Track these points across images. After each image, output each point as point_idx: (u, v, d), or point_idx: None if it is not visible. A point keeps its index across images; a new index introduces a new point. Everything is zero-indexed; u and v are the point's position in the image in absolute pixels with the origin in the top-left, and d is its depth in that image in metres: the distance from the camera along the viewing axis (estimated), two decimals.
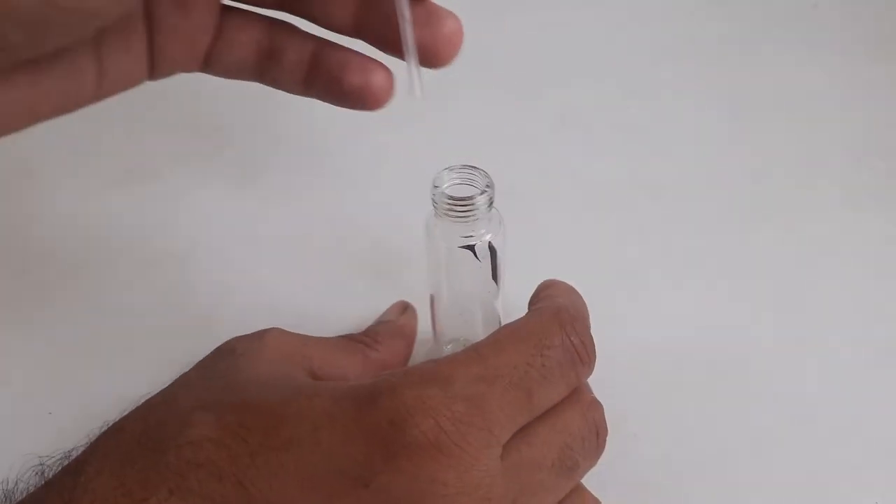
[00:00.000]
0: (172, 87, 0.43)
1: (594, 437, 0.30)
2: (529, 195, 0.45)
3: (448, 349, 0.38)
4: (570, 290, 0.34)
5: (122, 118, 0.51)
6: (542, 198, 0.46)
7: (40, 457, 0.31)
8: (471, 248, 0.34)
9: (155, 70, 0.32)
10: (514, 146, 0.49)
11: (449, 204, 0.33)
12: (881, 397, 0.38)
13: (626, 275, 0.42)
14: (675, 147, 0.49)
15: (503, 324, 0.31)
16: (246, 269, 0.43)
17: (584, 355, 0.29)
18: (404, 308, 0.39)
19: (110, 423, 0.29)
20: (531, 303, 0.34)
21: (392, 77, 0.32)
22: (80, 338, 0.41)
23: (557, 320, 0.29)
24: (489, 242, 0.34)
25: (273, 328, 0.33)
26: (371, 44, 0.32)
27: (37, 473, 0.30)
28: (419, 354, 0.38)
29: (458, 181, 0.33)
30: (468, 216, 0.33)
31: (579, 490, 0.31)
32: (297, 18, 0.33)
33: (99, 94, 0.31)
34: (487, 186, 0.33)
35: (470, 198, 0.33)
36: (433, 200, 0.33)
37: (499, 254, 0.35)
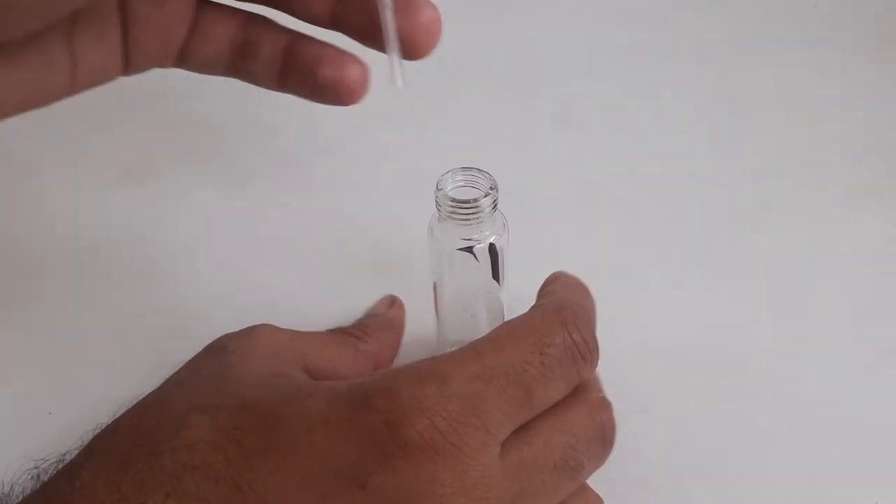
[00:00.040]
0: (173, 86, 0.43)
1: (601, 437, 0.29)
2: (529, 195, 0.45)
3: (451, 350, 0.38)
4: (577, 285, 0.33)
5: (122, 118, 0.51)
6: (542, 197, 0.46)
7: (35, 460, 0.31)
8: (469, 249, 0.34)
9: (129, 64, 0.31)
10: (514, 146, 0.49)
11: (452, 207, 0.33)
12: (881, 397, 0.38)
13: (626, 275, 0.42)
14: (675, 147, 0.49)
15: None
16: (246, 269, 0.43)
17: (585, 353, 0.29)
18: (392, 301, 0.39)
19: (103, 426, 0.29)
20: (539, 295, 0.33)
21: (367, 71, 0.32)
22: (80, 338, 0.41)
23: (559, 317, 0.29)
24: (489, 244, 0.34)
25: (263, 324, 0.33)
26: (349, 35, 0.32)
27: (32, 477, 0.30)
28: (422, 356, 0.38)
29: (461, 184, 0.33)
30: (472, 219, 0.33)
31: (583, 490, 0.30)
32: (276, 12, 0.32)
33: (72, 87, 0.30)
34: (491, 189, 0.33)
35: (474, 200, 0.33)
36: (437, 203, 0.33)
37: (502, 255, 0.35)
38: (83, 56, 0.30)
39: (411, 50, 0.31)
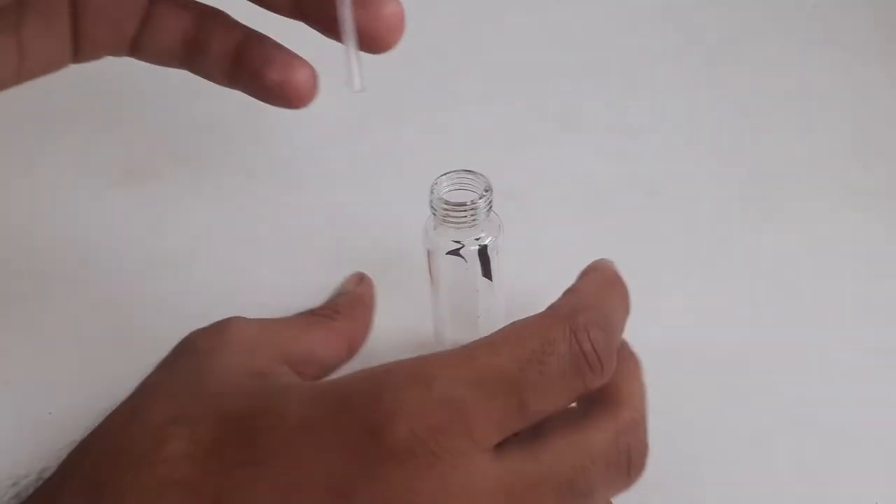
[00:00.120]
0: (173, 86, 0.43)
1: (622, 463, 0.27)
2: (529, 195, 0.45)
3: (443, 350, 0.38)
4: (610, 282, 0.30)
5: (122, 118, 0.51)
6: (541, 198, 0.46)
7: (16, 475, 0.30)
8: (457, 252, 0.34)
9: (79, 53, 0.31)
10: (513, 146, 0.49)
11: (447, 209, 0.33)
12: (881, 397, 0.38)
13: (625, 275, 0.42)
14: (675, 147, 0.49)
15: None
16: (246, 269, 0.43)
17: (595, 364, 0.26)
18: (361, 278, 0.38)
19: (76, 442, 0.28)
20: (566, 291, 0.30)
21: (315, 75, 0.32)
22: (80, 338, 0.41)
23: (569, 323, 0.26)
24: (479, 247, 0.34)
25: (232, 319, 0.31)
26: (311, 26, 0.31)
27: (13, 497, 0.29)
28: None
29: (456, 186, 0.33)
30: (467, 221, 0.33)
31: None
32: (239, 2, 0.32)
33: (20, 76, 0.30)
34: (486, 191, 0.33)
35: (470, 203, 0.33)
36: (431, 206, 0.33)
37: (498, 257, 0.35)
38: (31, 45, 0.29)
39: (372, 44, 0.30)
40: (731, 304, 0.41)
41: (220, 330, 0.31)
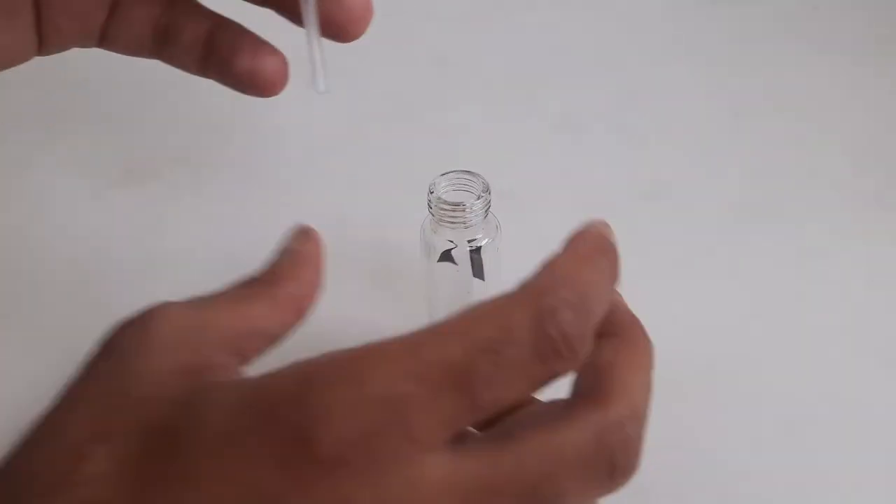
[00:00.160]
0: (173, 86, 0.43)
1: (603, 466, 0.23)
2: (529, 196, 0.45)
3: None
4: (591, 255, 0.26)
5: (122, 118, 0.51)
6: (541, 198, 0.46)
7: None
8: (448, 253, 0.34)
9: (45, 45, 0.30)
10: (512, 146, 0.49)
11: (444, 210, 0.33)
12: (881, 397, 0.38)
13: (625, 275, 0.42)
14: (675, 147, 0.49)
15: None
16: (246, 270, 0.43)
17: (561, 349, 0.23)
18: (306, 233, 0.32)
19: None
20: (541, 263, 0.26)
21: (286, 63, 0.32)
22: (80, 338, 0.41)
23: (533, 305, 0.23)
24: (470, 249, 0.34)
25: (160, 306, 0.28)
26: (279, 13, 0.31)
27: None
28: None
29: (454, 187, 0.33)
30: (463, 222, 0.33)
31: None
32: None
33: None
34: (484, 192, 0.33)
35: (465, 203, 0.33)
36: (429, 206, 0.33)
37: (496, 258, 0.35)
38: None
39: (338, 33, 0.30)
40: (728, 306, 0.41)
41: (146, 323, 0.27)
